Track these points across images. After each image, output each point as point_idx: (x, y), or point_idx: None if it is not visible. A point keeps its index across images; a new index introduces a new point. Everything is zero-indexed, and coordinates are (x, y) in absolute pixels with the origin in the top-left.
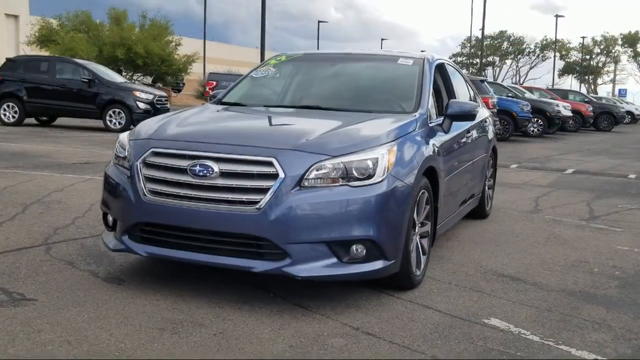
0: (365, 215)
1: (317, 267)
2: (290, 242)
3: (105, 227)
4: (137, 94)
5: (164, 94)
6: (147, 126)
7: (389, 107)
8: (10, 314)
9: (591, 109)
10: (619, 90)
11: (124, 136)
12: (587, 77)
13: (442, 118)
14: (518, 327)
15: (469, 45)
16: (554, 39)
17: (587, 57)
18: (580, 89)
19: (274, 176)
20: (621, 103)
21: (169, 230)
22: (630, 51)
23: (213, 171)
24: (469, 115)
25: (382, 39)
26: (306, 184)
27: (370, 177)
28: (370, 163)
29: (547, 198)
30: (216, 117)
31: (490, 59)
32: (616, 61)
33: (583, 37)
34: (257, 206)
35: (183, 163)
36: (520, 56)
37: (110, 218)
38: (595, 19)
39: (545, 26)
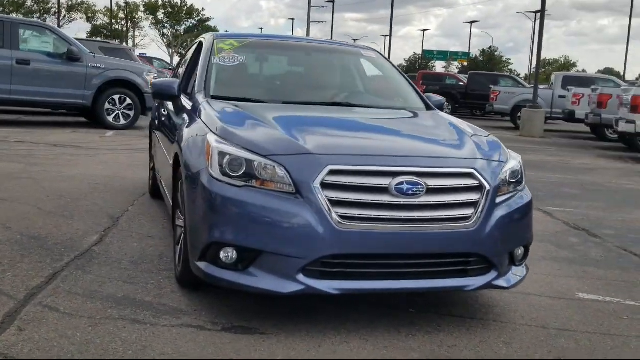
0: (531, 219)
1: (513, 275)
2: (498, 254)
3: (218, 266)
4: None
5: None
6: (283, 137)
7: (405, 103)
8: None
9: None
10: (140, 54)
11: (227, 148)
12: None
13: None
14: (608, 296)
15: None
16: (79, 1)
17: (113, 21)
18: None
19: (478, 188)
20: None
21: (363, 259)
22: (152, 18)
23: (423, 188)
24: (442, 108)
25: None
26: (500, 192)
27: (520, 181)
28: (520, 167)
29: None
30: (326, 119)
31: (13, 16)
32: (135, 26)
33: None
34: (471, 222)
35: (383, 181)
36: (46, 15)
37: (231, 254)
38: None
39: None
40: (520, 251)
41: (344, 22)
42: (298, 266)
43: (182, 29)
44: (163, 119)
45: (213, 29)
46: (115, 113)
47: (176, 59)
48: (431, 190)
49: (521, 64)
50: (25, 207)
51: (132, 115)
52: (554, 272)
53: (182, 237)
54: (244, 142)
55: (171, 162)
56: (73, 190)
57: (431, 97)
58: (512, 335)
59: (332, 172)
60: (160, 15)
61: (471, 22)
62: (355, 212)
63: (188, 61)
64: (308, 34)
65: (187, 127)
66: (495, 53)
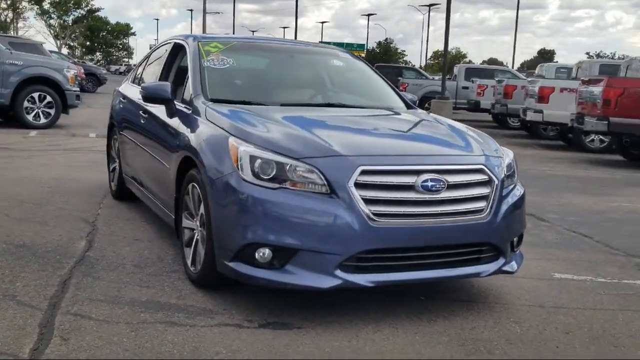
0: (524, 209)
1: (515, 261)
2: (505, 242)
3: (253, 265)
4: None
5: None
6: (308, 139)
7: (387, 102)
8: None
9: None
10: None
11: (256, 151)
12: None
13: None
14: (580, 275)
15: None
16: None
17: None
18: None
19: (488, 182)
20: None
21: (393, 253)
22: (37, 8)
23: (445, 185)
24: (415, 105)
25: None
26: (504, 184)
27: (513, 175)
28: (513, 161)
29: None
30: (335, 120)
31: None
32: (19, 17)
33: None
34: (484, 214)
35: (409, 180)
36: None
37: (266, 253)
38: None
39: None
40: (516, 239)
41: (238, 13)
42: (336, 262)
43: (70, 19)
44: (143, 121)
45: (103, 20)
46: (35, 111)
47: (64, 51)
48: (450, 186)
49: (412, 54)
50: None
51: (52, 114)
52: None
53: (195, 239)
54: (270, 145)
55: (169, 165)
56: (30, 194)
57: (406, 95)
58: (517, 315)
59: (364, 172)
60: (47, 5)
61: (368, 15)
62: (386, 209)
63: (163, 64)
64: (204, 26)
65: (195, 131)
66: (391, 45)
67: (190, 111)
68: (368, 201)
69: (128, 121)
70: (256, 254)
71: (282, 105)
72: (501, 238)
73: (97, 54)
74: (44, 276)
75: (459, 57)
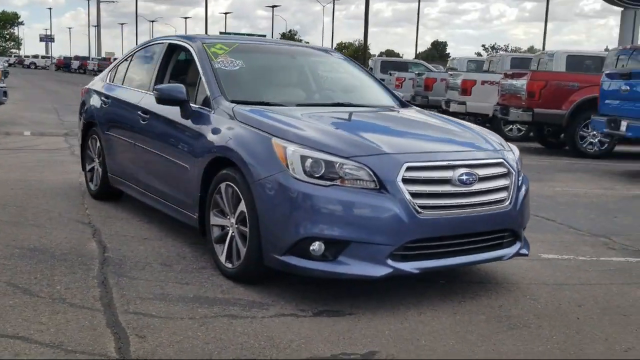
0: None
1: (526, 245)
2: (520, 228)
3: (308, 258)
4: None
5: None
6: (352, 139)
7: (385, 100)
8: None
9: None
10: None
11: (305, 151)
12: None
13: None
14: (562, 254)
15: None
16: None
17: None
18: None
19: (507, 174)
20: None
21: (436, 241)
22: None
23: (476, 178)
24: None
25: None
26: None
27: (519, 166)
28: (519, 155)
29: None
30: (360, 118)
31: None
32: None
33: None
34: (506, 203)
35: (448, 174)
36: None
37: (319, 246)
38: None
39: None
40: None
41: (132, 2)
42: (387, 252)
43: None
44: (143, 122)
45: None
46: None
47: None
48: (481, 179)
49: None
50: None
51: None
52: None
53: (230, 236)
54: (317, 145)
55: (188, 165)
56: (5, 197)
57: (397, 93)
58: (530, 292)
59: (409, 169)
60: None
61: (273, 7)
62: (428, 202)
63: (158, 65)
64: (98, 15)
65: (224, 132)
66: (295, 37)
67: (211, 112)
68: (413, 195)
69: (118, 121)
70: (310, 248)
71: (297, 105)
72: (518, 224)
73: None
74: (79, 278)
75: (362, 49)
